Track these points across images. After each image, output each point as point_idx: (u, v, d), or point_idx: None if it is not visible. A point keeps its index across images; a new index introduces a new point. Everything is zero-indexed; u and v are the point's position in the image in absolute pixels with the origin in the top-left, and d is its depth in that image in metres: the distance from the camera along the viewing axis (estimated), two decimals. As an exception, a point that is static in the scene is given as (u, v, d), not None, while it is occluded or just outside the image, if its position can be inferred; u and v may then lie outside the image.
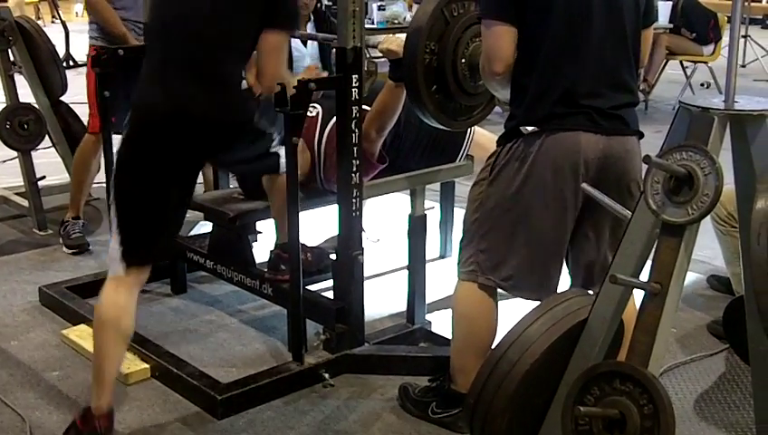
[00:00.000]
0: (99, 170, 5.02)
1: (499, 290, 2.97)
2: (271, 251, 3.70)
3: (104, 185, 3.78)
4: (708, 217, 2.17)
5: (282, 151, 3.31)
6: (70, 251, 4.77)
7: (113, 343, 2.95)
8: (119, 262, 2.95)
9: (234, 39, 3.02)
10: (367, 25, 3.64)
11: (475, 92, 3.32)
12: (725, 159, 2.09)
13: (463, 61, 3.20)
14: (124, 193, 2.99)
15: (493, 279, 2.92)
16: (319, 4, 5.07)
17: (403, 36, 3.32)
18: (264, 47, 3.06)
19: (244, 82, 3.16)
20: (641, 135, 2.88)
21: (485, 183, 2.91)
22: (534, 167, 2.78)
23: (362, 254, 3.43)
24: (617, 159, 2.80)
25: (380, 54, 3.65)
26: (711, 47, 8.88)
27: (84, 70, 4.89)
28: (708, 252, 4.37)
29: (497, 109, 3.76)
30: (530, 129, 2.77)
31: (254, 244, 4.09)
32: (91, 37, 4.73)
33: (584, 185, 2.36)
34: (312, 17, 4.95)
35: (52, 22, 13.64)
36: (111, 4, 4.58)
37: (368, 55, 4.70)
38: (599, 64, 2.77)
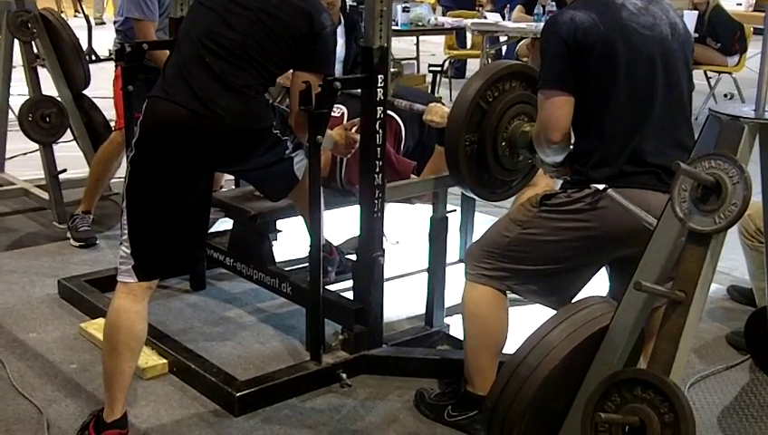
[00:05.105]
0: (119, 168, 5.05)
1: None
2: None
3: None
4: (735, 230, 2.16)
5: (296, 157, 3.30)
6: (77, 244, 4.79)
7: (127, 348, 2.90)
8: (131, 273, 2.93)
9: (261, 61, 3.01)
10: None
11: (515, 168, 3.37)
12: (754, 172, 2.08)
13: (503, 144, 3.23)
14: (136, 203, 2.94)
15: (509, 285, 2.96)
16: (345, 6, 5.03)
17: (445, 108, 3.39)
18: (296, 88, 3.09)
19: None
20: None
21: (536, 211, 2.91)
22: (596, 218, 2.79)
23: (383, 255, 3.43)
24: None
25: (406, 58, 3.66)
26: (736, 58, 8.84)
27: (106, 65, 4.89)
28: (729, 263, 4.36)
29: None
30: (600, 186, 2.78)
31: (274, 242, 4.09)
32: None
33: (610, 190, 2.35)
34: (343, 20, 4.91)
35: (75, 16, 13.68)
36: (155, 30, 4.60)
37: (393, 56, 4.69)
38: (660, 128, 2.81)
